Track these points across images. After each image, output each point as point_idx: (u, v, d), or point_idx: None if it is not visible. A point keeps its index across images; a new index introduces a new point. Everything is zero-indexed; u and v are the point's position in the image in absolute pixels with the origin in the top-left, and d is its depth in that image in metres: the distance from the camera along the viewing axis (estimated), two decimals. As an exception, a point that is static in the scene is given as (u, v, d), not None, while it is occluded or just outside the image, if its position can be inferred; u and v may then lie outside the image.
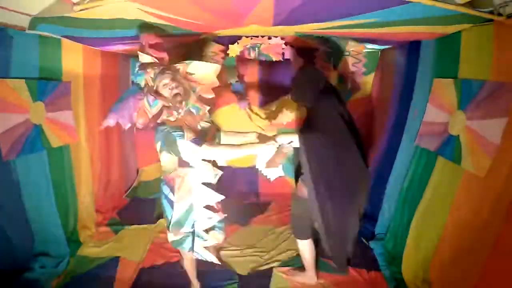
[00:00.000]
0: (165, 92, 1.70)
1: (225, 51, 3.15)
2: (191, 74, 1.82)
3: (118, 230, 2.85)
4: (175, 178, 1.80)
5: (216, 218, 1.87)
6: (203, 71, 1.84)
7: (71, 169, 2.57)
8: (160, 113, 1.71)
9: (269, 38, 2.95)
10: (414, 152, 2.33)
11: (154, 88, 1.72)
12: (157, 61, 1.76)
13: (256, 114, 3.53)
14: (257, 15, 1.81)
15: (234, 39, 3.03)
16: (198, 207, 1.80)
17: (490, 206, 1.59)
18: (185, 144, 1.64)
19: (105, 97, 2.97)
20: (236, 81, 3.37)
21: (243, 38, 3.00)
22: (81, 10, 1.48)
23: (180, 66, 1.80)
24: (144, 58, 1.75)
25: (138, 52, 1.77)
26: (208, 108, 1.85)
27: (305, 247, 2.15)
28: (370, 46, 3.01)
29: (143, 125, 1.73)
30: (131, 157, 3.65)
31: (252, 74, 3.44)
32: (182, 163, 1.77)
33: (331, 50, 2.99)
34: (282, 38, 2.97)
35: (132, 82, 1.71)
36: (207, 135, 1.80)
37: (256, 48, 3.12)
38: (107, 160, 3.13)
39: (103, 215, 3.01)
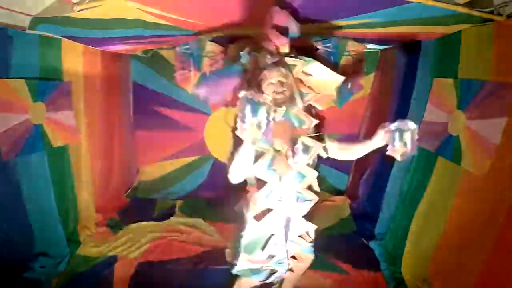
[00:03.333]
0: (268, 90, 1.41)
1: (225, 51, 3.15)
2: (307, 74, 1.52)
3: (118, 230, 2.84)
4: None
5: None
6: (324, 78, 1.52)
7: (71, 169, 2.57)
8: None
9: (269, 38, 2.94)
10: (414, 152, 2.33)
11: (259, 79, 1.43)
12: (273, 49, 1.47)
13: None
14: (257, 15, 1.81)
15: (234, 39, 3.03)
16: None
17: (490, 206, 1.59)
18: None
19: (105, 97, 2.97)
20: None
21: (243, 38, 2.99)
22: (81, 10, 1.49)
23: (297, 63, 1.50)
24: (267, 43, 1.49)
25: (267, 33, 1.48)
26: (315, 122, 1.48)
27: None
28: (370, 46, 3.01)
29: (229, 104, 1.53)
30: (131, 157, 3.65)
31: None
32: None
33: (331, 50, 2.99)
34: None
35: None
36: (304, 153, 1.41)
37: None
38: (107, 160, 3.13)
39: (103, 215, 3.01)
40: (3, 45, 1.85)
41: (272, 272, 1.65)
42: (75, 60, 2.50)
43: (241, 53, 1.57)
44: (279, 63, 1.43)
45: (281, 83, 1.41)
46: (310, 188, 1.54)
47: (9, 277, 1.96)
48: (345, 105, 3.07)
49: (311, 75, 1.53)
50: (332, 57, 3.10)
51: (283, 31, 1.47)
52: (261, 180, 1.45)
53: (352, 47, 2.97)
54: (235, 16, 1.87)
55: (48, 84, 2.21)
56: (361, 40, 2.74)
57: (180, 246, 2.60)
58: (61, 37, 2.17)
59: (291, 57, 1.51)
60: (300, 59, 1.51)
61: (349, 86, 3.21)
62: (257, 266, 1.61)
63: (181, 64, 3.11)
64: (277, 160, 1.41)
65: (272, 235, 1.53)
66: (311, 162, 1.48)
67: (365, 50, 3.02)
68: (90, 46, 2.56)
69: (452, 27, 1.82)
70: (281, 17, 1.47)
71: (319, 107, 1.60)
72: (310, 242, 1.65)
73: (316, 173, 1.50)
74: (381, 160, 2.93)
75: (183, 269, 2.34)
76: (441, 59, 2.11)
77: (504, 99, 1.52)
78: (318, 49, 3.09)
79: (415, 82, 2.39)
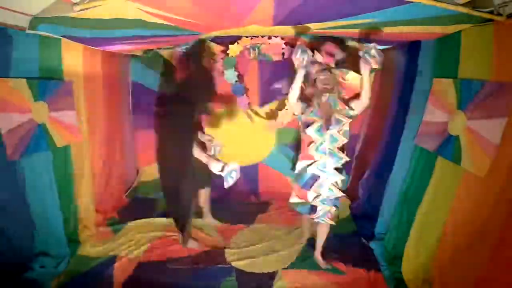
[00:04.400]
0: (319, 84, 2.24)
1: (225, 51, 3.15)
2: (345, 80, 2.58)
3: (118, 230, 2.85)
4: None
5: None
6: (355, 81, 2.40)
7: (72, 169, 2.57)
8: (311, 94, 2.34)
9: (269, 38, 2.95)
10: (414, 152, 2.33)
11: (314, 78, 2.29)
12: (323, 62, 2.53)
13: (256, 114, 3.53)
14: (257, 15, 1.81)
15: (234, 39, 3.04)
16: None
17: (490, 206, 1.59)
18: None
19: (105, 97, 2.97)
20: (236, 81, 3.37)
21: (243, 38, 3.00)
22: (81, 10, 1.49)
23: (337, 72, 2.44)
24: (318, 56, 2.59)
25: (315, 51, 2.63)
26: (346, 108, 2.25)
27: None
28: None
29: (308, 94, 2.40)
30: (131, 157, 3.65)
31: (252, 74, 3.45)
32: None
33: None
34: (282, 38, 2.97)
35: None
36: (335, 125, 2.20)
37: (256, 48, 3.12)
38: (107, 160, 3.13)
39: (103, 215, 3.01)
40: (3, 45, 1.85)
41: (314, 208, 2.28)
42: (75, 60, 2.50)
43: (307, 62, 2.24)
44: (326, 69, 2.30)
45: (327, 79, 2.23)
46: (341, 149, 2.24)
47: (9, 277, 1.96)
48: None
49: (348, 80, 2.61)
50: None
51: (331, 55, 2.70)
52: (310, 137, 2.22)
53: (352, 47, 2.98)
54: (235, 16, 1.87)
55: (49, 84, 2.21)
56: (361, 40, 2.74)
57: (180, 246, 2.60)
58: (61, 37, 2.17)
59: (335, 68, 2.53)
60: (339, 70, 2.54)
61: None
62: (303, 201, 2.32)
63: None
64: (323, 127, 2.17)
65: (318, 176, 2.21)
66: (342, 130, 2.20)
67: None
68: (90, 46, 2.56)
69: (452, 27, 1.82)
70: (330, 47, 2.71)
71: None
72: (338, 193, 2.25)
73: (345, 139, 2.20)
74: (381, 160, 2.93)
75: (183, 269, 2.34)
76: (441, 59, 2.11)
77: (504, 99, 1.52)
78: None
79: (415, 82, 2.39)
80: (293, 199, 2.37)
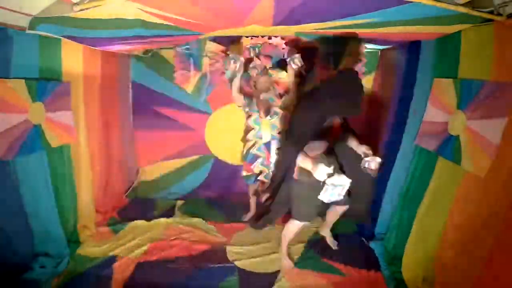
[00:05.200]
0: (258, 86, 2.79)
1: (225, 51, 3.15)
2: (280, 78, 2.90)
3: (118, 230, 2.85)
4: None
5: None
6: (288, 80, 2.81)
7: (71, 169, 2.57)
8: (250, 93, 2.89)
9: (269, 38, 2.94)
10: (414, 152, 2.33)
11: (254, 81, 2.83)
12: (261, 65, 2.87)
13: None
14: (257, 15, 1.81)
15: (234, 39, 3.03)
16: None
17: (490, 206, 1.59)
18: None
19: (105, 97, 2.97)
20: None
21: (243, 38, 2.99)
22: (81, 10, 1.49)
23: (273, 73, 2.90)
24: (256, 61, 2.87)
25: (255, 57, 2.89)
26: (280, 103, 2.76)
27: (295, 228, 2.31)
28: (370, 46, 3.01)
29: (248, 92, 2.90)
30: (131, 157, 3.65)
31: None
32: None
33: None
34: (282, 38, 2.97)
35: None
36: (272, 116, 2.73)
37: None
38: (107, 160, 3.13)
39: (103, 215, 3.02)
40: (3, 45, 1.85)
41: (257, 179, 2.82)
42: (75, 60, 2.50)
43: (250, 66, 2.89)
44: (265, 71, 2.86)
45: (264, 82, 2.79)
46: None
47: (9, 277, 1.96)
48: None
49: (282, 77, 2.92)
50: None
51: (269, 57, 2.91)
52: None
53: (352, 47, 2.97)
54: (235, 16, 1.87)
55: (47, 85, 2.21)
56: (361, 40, 2.74)
57: (180, 246, 2.60)
58: (61, 37, 2.17)
59: (272, 69, 2.92)
60: (276, 70, 2.92)
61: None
62: (249, 174, 2.82)
63: (181, 64, 3.12)
64: (258, 118, 2.74)
65: (259, 156, 2.79)
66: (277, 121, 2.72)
67: (365, 50, 3.02)
68: (90, 46, 2.56)
69: (452, 27, 1.82)
70: (268, 48, 2.89)
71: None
72: None
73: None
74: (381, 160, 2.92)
75: (183, 269, 2.34)
76: (441, 59, 2.11)
77: (504, 99, 1.52)
78: (318, 49, 3.09)
79: (415, 82, 2.39)
80: (243, 173, 2.86)
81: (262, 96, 2.74)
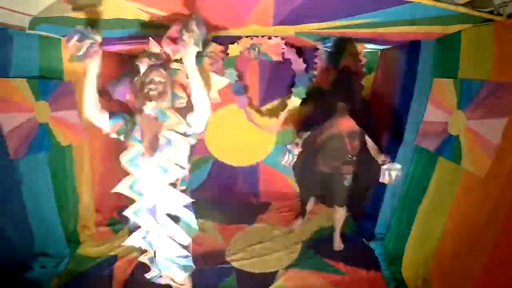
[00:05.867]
0: (145, 87, 1.54)
1: (225, 51, 3.15)
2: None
3: (118, 230, 2.85)
4: None
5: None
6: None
7: (72, 169, 2.57)
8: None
9: (269, 38, 2.95)
10: (414, 152, 2.33)
11: (142, 78, 1.58)
12: (162, 53, 1.70)
13: (257, 110, 3.52)
14: (257, 15, 1.81)
15: (234, 39, 3.03)
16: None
17: (490, 206, 1.59)
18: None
19: (105, 97, 2.97)
20: (236, 81, 3.37)
21: (243, 38, 3.00)
22: (81, 10, 1.49)
23: (180, 68, 1.70)
24: (152, 47, 1.72)
25: (150, 38, 1.73)
26: (182, 122, 1.56)
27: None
28: (370, 46, 3.01)
29: (129, 103, 1.78)
30: (131, 157, 3.64)
31: (252, 74, 3.45)
32: None
33: (331, 50, 2.99)
34: (282, 38, 2.97)
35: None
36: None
37: (256, 48, 3.12)
38: (107, 160, 3.13)
39: (103, 215, 3.01)
40: (3, 45, 1.85)
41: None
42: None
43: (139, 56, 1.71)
44: (161, 66, 1.59)
45: (157, 80, 1.53)
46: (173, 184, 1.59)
47: (9, 277, 1.96)
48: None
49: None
50: (332, 57, 3.11)
51: (177, 42, 1.59)
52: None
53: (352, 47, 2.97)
54: (235, 16, 1.87)
55: (50, 83, 2.21)
56: (361, 40, 2.74)
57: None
58: (61, 37, 2.17)
59: (179, 63, 1.68)
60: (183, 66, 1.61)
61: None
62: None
63: None
64: (142, 154, 1.54)
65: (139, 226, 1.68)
66: (177, 155, 1.55)
67: (365, 50, 3.02)
68: (90, 46, 2.55)
69: (452, 27, 1.82)
70: (175, 31, 1.64)
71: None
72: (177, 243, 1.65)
73: (182, 171, 1.58)
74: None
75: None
76: (441, 59, 2.11)
77: (504, 99, 1.52)
78: (318, 49, 3.10)
79: (415, 82, 2.39)
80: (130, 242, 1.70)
81: (149, 107, 1.55)
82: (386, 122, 2.91)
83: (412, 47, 2.45)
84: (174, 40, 1.65)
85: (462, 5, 1.45)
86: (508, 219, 1.47)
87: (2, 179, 1.94)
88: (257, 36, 2.93)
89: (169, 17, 1.76)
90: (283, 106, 3.38)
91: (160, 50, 1.70)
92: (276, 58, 3.19)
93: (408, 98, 2.45)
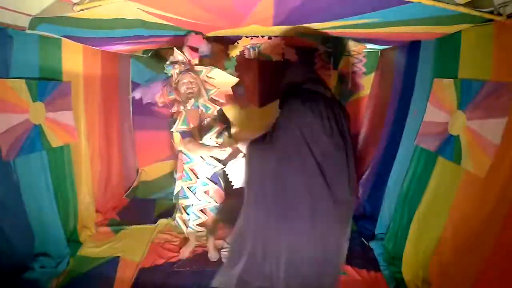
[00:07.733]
0: (182, 88, 2.08)
1: (225, 51, 3.15)
2: (211, 78, 2.23)
3: (118, 230, 2.84)
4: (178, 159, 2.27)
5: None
6: (222, 79, 2.27)
7: (71, 169, 2.57)
8: (172, 103, 2.20)
9: (269, 38, 2.95)
10: (414, 152, 2.33)
11: (175, 81, 2.11)
12: (186, 60, 2.15)
13: (257, 110, 3.51)
14: (257, 15, 1.81)
15: (234, 39, 3.03)
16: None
17: (490, 206, 1.59)
18: (175, 133, 2.15)
19: (105, 97, 2.97)
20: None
21: (243, 38, 2.99)
22: (81, 10, 1.49)
23: (203, 69, 2.19)
24: (177, 55, 2.15)
25: (175, 48, 2.17)
26: (218, 108, 2.23)
27: None
28: (370, 46, 3.01)
29: (161, 104, 2.27)
30: (131, 157, 3.65)
31: (252, 74, 3.44)
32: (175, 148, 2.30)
33: (331, 50, 2.99)
34: (282, 38, 2.97)
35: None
36: (209, 131, 2.13)
37: (256, 48, 3.11)
38: (107, 160, 3.13)
39: (103, 215, 3.01)
40: (3, 45, 1.86)
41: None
42: (75, 60, 2.50)
43: (167, 63, 2.19)
44: (189, 70, 2.11)
45: (190, 81, 2.08)
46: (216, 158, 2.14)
47: (9, 277, 1.96)
48: (345, 105, 3.07)
49: (214, 78, 2.24)
50: (332, 57, 3.12)
51: (195, 49, 2.19)
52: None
53: (352, 47, 2.97)
54: (235, 16, 1.87)
55: (48, 84, 2.21)
56: (361, 40, 2.74)
57: (180, 247, 2.60)
58: (61, 37, 2.17)
59: (199, 66, 2.22)
60: (207, 67, 2.22)
61: (349, 86, 3.22)
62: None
63: None
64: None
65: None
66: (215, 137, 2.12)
67: (365, 50, 3.02)
68: (90, 46, 2.56)
69: (452, 27, 1.82)
70: (195, 40, 2.20)
71: (220, 100, 2.27)
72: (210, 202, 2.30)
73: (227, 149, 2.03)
74: (381, 160, 2.93)
75: (183, 270, 2.34)
76: (441, 59, 2.11)
77: (504, 99, 1.52)
78: (318, 49, 3.10)
79: (415, 82, 2.39)
80: (177, 219, 2.36)
81: (190, 104, 2.11)
82: (385, 122, 2.92)
83: (412, 47, 2.45)
84: (193, 48, 2.19)
85: (462, 5, 1.45)
86: (508, 219, 1.47)
87: (0, 180, 1.93)
88: (257, 36, 2.93)
89: (169, 17, 1.76)
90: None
91: (184, 58, 2.14)
92: (276, 58, 3.19)
93: (408, 98, 2.45)
